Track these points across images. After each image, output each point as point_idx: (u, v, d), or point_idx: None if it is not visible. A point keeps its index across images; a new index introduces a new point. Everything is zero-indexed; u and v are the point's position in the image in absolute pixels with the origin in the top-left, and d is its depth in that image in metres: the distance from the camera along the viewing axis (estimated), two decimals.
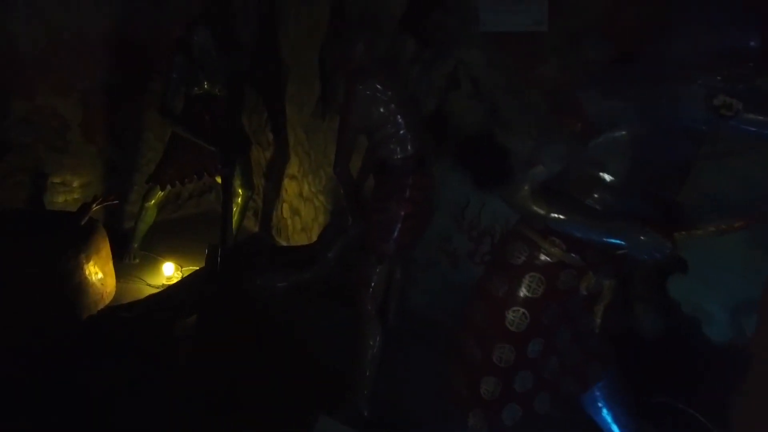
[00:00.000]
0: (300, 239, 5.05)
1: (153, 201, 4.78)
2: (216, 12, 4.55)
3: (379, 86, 2.98)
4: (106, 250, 4.25)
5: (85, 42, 4.80)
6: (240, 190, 4.81)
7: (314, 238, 4.79)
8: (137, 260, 4.95)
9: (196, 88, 4.47)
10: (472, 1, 3.08)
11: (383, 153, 3.10)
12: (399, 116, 3.03)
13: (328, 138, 4.45)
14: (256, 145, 5.31)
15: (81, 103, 5.02)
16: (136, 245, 4.96)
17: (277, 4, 4.65)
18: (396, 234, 3.06)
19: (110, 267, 4.27)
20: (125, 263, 4.86)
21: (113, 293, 4.30)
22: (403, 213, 3.04)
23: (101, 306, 4.10)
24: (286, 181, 5.12)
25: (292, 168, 5.00)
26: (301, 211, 4.98)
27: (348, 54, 3.09)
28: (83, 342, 3.56)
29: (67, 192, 5.18)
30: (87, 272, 3.95)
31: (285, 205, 5.22)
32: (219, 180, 4.50)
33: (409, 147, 3.06)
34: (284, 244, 5.29)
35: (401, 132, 3.05)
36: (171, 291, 3.87)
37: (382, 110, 3.01)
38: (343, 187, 3.29)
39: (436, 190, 3.26)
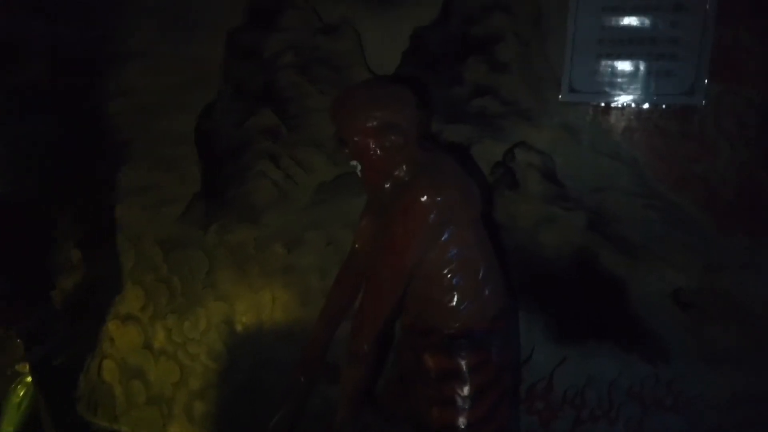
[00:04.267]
0: (147, 416, 3.09)
1: None
2: None
3: (456, 204, 1.67)
4: None
5: None
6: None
7: (179, 415, 2.97)
8: None
9: None
10: (541, 51, 1.98)
11: (444, 318, 1.76)
12: (475, 252, 1.75)
13: (217, 259, 2.76)
14: None
15: None
16: None
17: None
18: None
19: None
20: None
21: None
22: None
23: None
24: (112, 326, 3.12)
25: (128, 303, 3.07)
26: (149, 372, 3.07)
27: (387, 136, 1.69)
28: None
29: None
30: None
31: (107, 363, 3.19)
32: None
33: (492, 302, 1.79)
34: (108, 425, 3.21)
35: (480, 278, 1.76)
36: None
37: (450, 246, 1.69)
38: (359, 370, 1.82)
39: None
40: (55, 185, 2.99)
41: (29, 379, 2.79)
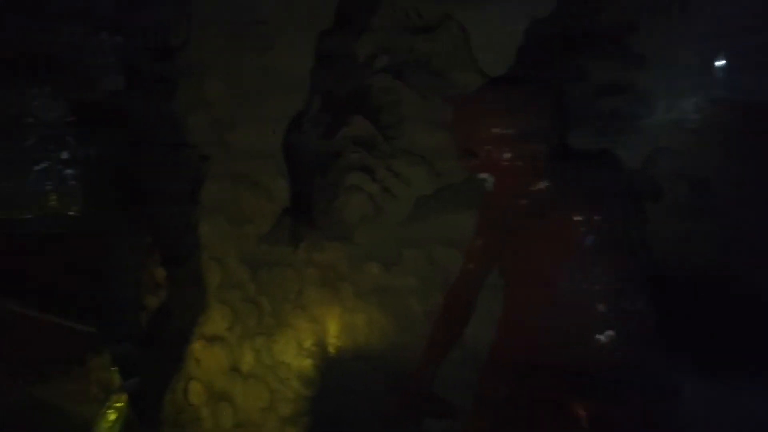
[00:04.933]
0: None
1: None
2: None
3: (609, 224, 1.43)
4: None
5: None
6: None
7: None
8: None
9: None
10: (686, 40, 1.68)
11: (593, 358, 1.52)
12: (629, 282, 1.53)
13: (307, 278, 2.59)
14: None
15: None
16: None
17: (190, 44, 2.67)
18: None
19: None
20: None
21: None
22: None
23: None
24: (198, 346, 3.02)
25: (214, 324, 2.96)
26: (236, 396, 2.96)
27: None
28: None
29: None
30: None
31: (194, 385, 3.09)
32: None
33: (646, 338, 1.55)
34: None
35: (633, 309, 1.52)
36: None
37: (601, 273, 1.46)
38: (489, 415, 1.61)
39: None
40: (134, 203, 2.91)
41: (120, 404, 2.71)
